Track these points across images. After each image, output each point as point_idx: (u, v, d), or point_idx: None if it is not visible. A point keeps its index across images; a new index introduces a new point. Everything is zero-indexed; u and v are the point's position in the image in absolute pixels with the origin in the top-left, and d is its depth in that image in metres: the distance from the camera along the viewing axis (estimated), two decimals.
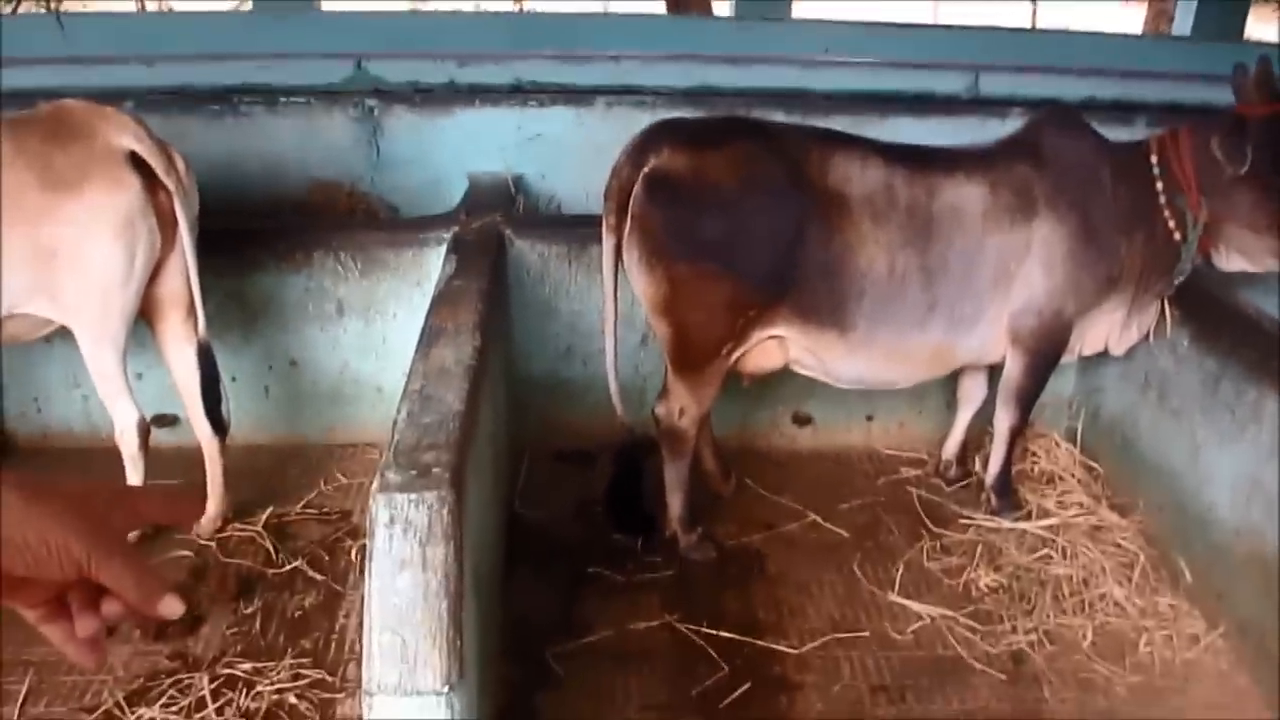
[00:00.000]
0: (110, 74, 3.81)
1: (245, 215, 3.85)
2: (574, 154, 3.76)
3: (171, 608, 0.89)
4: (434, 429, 2.01)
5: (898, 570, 2.87)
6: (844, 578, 2.87)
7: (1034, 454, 3.34)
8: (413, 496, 1.81)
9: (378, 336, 3.27)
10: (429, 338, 2.37)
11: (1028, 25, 16.11)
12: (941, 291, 2.68)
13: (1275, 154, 2.59)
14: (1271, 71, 2.67)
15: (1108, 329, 2.97)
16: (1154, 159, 2.78)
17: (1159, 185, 2.76)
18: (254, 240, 3.28)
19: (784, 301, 2.58)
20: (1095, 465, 3.32)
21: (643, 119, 3.70)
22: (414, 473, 1.86)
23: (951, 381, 3.22)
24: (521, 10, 12.35)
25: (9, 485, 0.82)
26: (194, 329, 2.80)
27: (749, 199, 2.50)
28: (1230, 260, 2.84)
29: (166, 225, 2.66)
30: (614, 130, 3.30)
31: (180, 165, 2.69)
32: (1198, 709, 2.50)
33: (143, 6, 12.60)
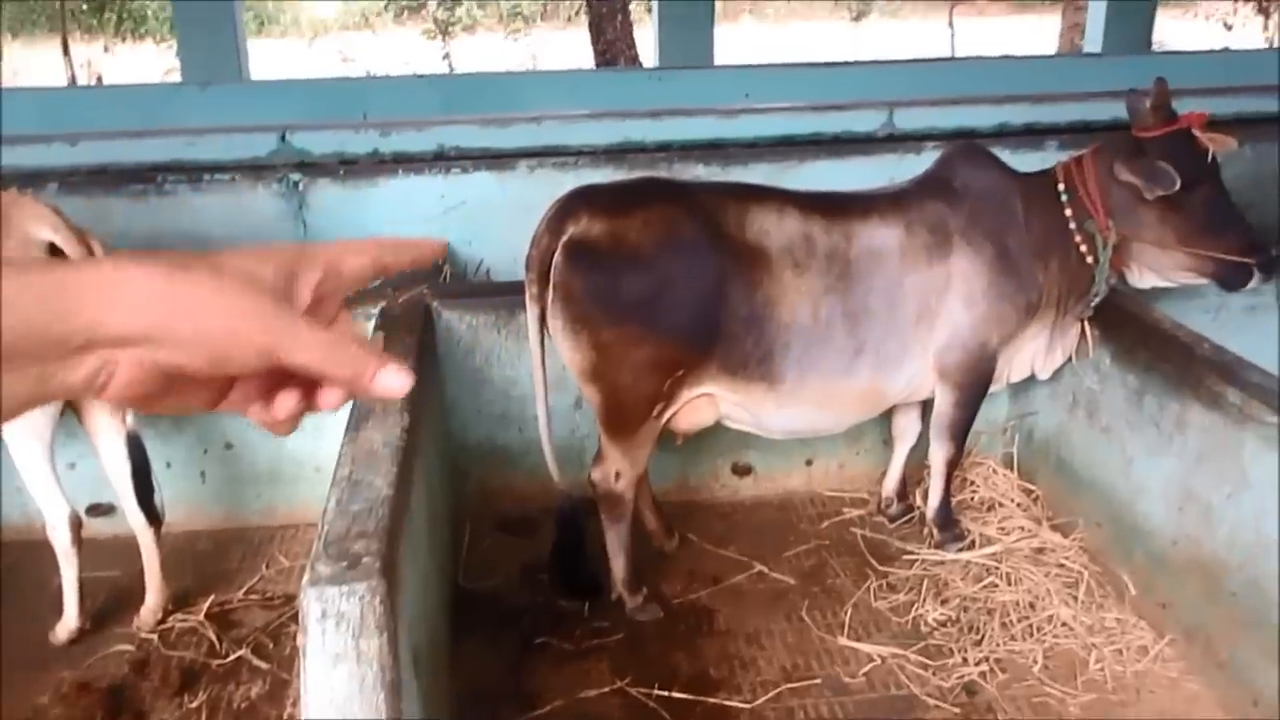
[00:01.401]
0: (35, 153, 3.78)
1: None
2: (499, 218, 3.77)
3: (394, 381, 0.70)
4: (363, 516, 1.99)
5: (846, 613, 2.88)
6: (793, 625, 2.87)
7: (972, 482, 3.39)
8: (344, 589, 1.79)
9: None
10: (356, 420, 2.36)
11: (948, 42, 16.56)
12: (867, 334, 2.71)
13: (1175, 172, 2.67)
14: (1166, 93, 2.76)
15: (1032, 354, 3.02)
16: (1061, 186, 2.85)
17: (1068, 211, 2.83)
18: None
19: (711, 359, 2.61)
20: (1033, 487, 3.37)
21: (565, 179, 3.74)
22: (344, 564, 1.84)
23: (887, 419, 3.25)
24: (451, 70, 12.48)
25: (149, 268, 0.64)
26: (122, 418, 2.77)
27: (668, 260, 2.52)
28: (1143, 277, 2.91)
29: None
30: (538, 192, 3.32)
31: (100, 254, 2.67)
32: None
33: (73, 80, 12.53)
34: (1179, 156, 2.68)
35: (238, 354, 0.66)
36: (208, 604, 2.97)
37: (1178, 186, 2.63)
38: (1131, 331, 2.98)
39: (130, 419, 2.76)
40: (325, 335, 0.69)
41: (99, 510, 3.16)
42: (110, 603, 2.97)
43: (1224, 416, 2.53)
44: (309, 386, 0.73)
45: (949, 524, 3.11)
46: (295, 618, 2.90)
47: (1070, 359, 3.08)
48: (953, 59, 11.06)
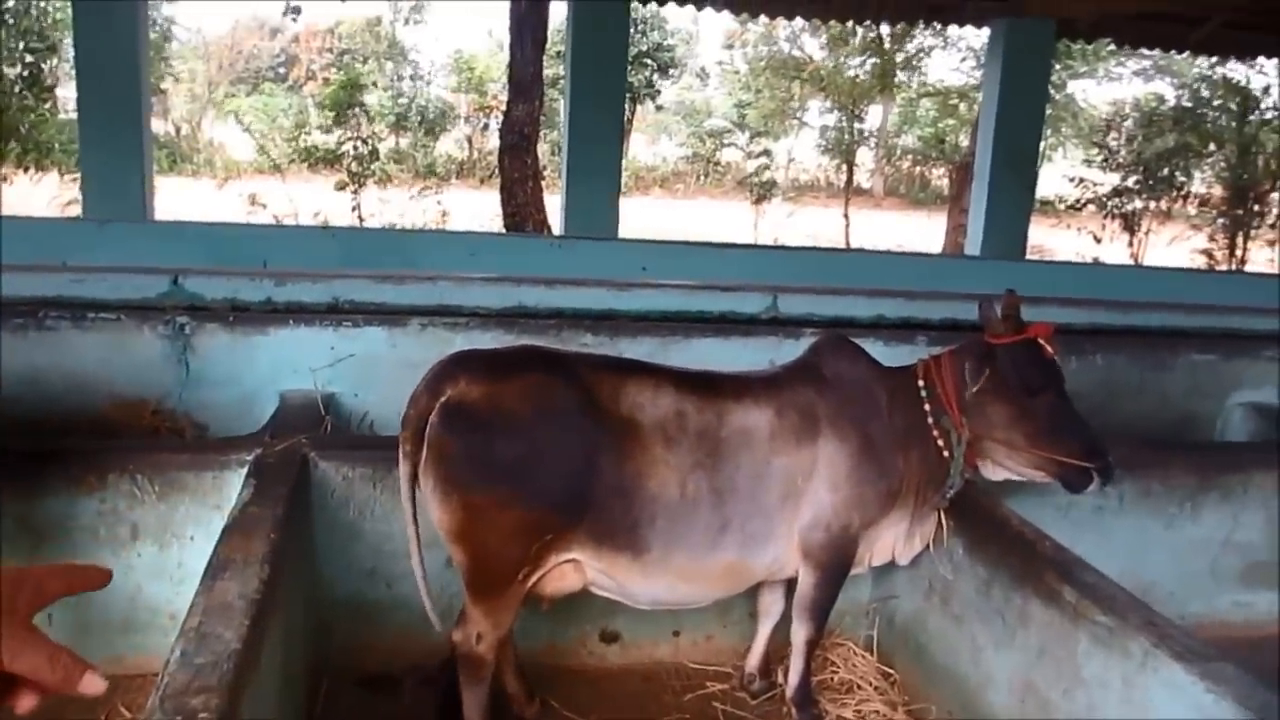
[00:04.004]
0: None
1: (43, 434, 3.74)
2: (387, 372, 3.83)
3: (94, 685, 0.90)
4: (207, 670, 1.96)
5: None
6: None
7: (833, 663, 3.43)
8: None
9: (173, 561, 3.16)
10: (214, 570, 2.33)
11: (842, 231, 17.46)
12: (733, 511, 2.79)
13: (1022, 378, 2.87)
14: (1016, 304, 2.97)
15: (893, 539, 3.13)
16: (921, 382, 3.02)
17: (927, 406, 2.99)
18: (45, 461, 3.17)
19: (579, 527, 2.65)
20: (892, 671, 3.43)
21: (455, 339, 3.83)
22: (179, 718, 1.81)
23: (756, 593, 3.30)
24: (360, 221, 12.68)
25: None
26: None
27: (542, 428, 2.59)
28: (995, 472, 3.05)
29: None
30: (427, 350, 3.39)
31: None
32: None
33: None
34: (1026, 363, 2.88)
35: None
36: None
37: (1028, 391, 2.84)
38: (982, 525, 3.13)
39: None
40: (45, 647, 0.87)
41: None
42: None
43: (1061, 613, 2.66)
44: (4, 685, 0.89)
45: (807, 704, 3.14)
46: None
47: (928, 547, 3.20)
48: (838, 250, 11.69)
